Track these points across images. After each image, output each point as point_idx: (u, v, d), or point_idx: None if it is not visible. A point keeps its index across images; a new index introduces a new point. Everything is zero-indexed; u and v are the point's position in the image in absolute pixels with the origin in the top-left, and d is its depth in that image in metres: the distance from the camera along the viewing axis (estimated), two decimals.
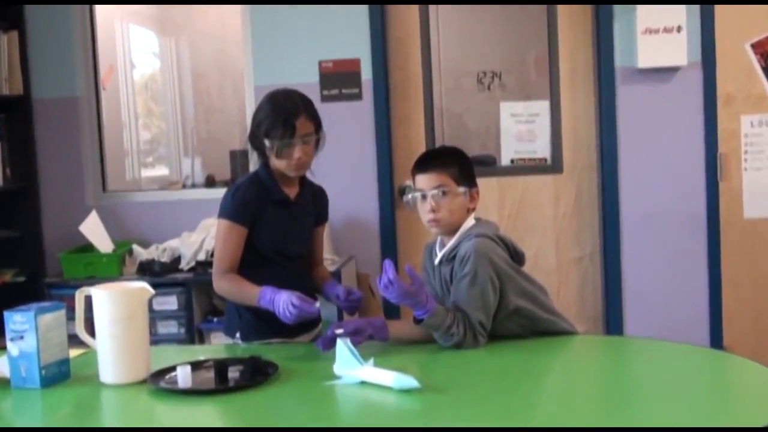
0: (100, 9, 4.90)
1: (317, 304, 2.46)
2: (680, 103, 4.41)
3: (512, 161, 4.62)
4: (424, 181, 2.50)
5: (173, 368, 2.21)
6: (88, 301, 2.27)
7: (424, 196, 2.49)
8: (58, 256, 4.41)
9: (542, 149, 4.61)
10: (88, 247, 4.42)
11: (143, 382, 2.20)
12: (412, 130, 4.62)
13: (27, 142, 4.66)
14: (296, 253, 2.72)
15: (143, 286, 2.27)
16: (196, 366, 2.24)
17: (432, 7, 4.58)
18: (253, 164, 2.79)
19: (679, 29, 4.28)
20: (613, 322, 4.51)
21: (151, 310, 4.01)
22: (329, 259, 4.26)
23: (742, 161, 4.42)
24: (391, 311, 4.23)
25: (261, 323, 2.64)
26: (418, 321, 2.36)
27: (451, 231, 2.51)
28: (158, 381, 2.17)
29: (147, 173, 6.44)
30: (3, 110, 4.53)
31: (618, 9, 4.36)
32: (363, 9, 4.47)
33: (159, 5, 6.25)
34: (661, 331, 4.30)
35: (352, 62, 4.51)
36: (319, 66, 4.52)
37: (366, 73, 4.51)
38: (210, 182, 5.00)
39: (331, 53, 4.52)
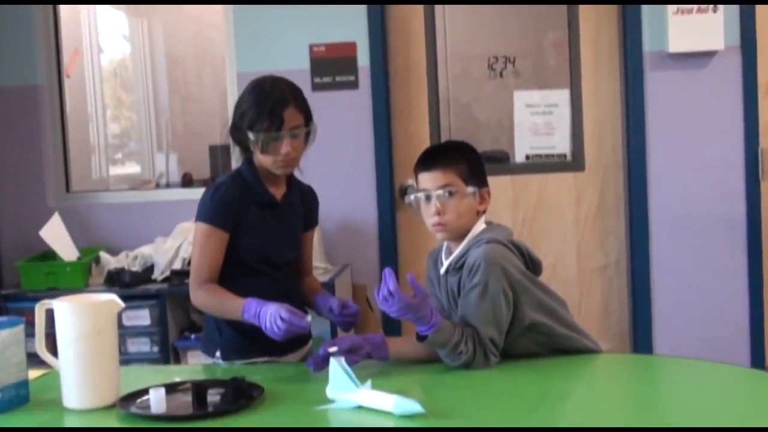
0: None
1: (308, 318, 2.46)
2: (716, 92, 4.41)
3: (527, 157, 4.63)
4: (428, 180, 2.50)
5: (145, 391, 2.20)
6: (50, 315, 2.27)
7: (428, 197, 2.49)
8: (16, 265, 4.40)
9: (561, 144, 4.62)
10: (49, 255, 4.42)
11: (112, 406, 2.20)
12: (414, 123, 4.63)
13: None
14: (283, 261, 2.72)
15: (112, 299, 2.27)
16: (171, 389, 2.23)
17: None
18: (236, 161, 2.79)
19: (715, 9, 4.29)
20: (641, 338, 4.51)
21: (120, 325, 4.01)
22: (321, 268, 4.26)
23: None
24: (392, 327, 4.23)
25: (244, 340, 2.64)
26: (421, 338, 2.36)
27: (459, 236, 2.51)
28: (129, 406, 2.17)
29: (116, 171, 6.44)
30: None
31: None
32: None
33: None
34: (696, 348, 4.30)
35: (347, 46, 4.52)
36: (310, 50, 4.53)
37: (363, 59, 4.52)
38: (187, 181, 5.00)
39: (324, 36, 4.52)
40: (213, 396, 2.20)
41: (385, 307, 2.30)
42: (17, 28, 4.67)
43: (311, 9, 4.51)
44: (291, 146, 2.58)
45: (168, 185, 5.15)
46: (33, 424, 2.17)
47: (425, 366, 2.44)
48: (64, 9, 4.92)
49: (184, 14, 6.38)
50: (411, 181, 3.02)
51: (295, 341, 2.63)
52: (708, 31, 4.29)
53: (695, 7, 4.28)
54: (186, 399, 2.21)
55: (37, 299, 2.38)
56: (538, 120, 4.61)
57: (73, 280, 4.29)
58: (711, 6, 4.28)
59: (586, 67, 4.57)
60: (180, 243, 4.31)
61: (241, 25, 4.57)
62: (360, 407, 2.09)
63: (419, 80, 4.62)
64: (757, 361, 4.40)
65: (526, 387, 2.31)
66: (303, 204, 2.80)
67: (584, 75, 4.57)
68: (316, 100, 2.78)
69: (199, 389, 2.21)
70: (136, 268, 4.34)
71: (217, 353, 2.71)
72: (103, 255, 4.45)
